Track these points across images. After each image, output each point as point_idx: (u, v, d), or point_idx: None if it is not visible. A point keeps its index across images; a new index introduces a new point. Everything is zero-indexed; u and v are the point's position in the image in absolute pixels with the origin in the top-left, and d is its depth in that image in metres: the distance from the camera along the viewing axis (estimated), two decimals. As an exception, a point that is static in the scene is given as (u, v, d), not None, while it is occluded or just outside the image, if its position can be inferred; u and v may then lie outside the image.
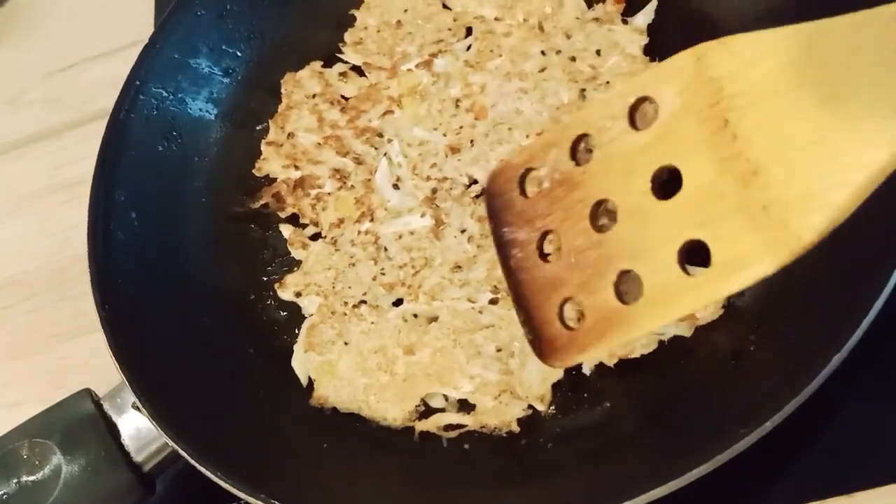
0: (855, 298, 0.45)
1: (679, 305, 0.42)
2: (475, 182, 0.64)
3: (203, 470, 0.52)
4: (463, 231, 0.63)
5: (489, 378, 0.57)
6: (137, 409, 0.55)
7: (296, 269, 0.65)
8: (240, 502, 0.52)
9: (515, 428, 0.55)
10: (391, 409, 0.58)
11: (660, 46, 0.64)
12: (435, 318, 0.60)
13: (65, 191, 0.78)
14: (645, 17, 0.68)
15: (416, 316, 0.60)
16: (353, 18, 0.75)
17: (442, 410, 0.57)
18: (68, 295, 0.72)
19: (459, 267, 0.61)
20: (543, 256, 0.50)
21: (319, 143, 0.70)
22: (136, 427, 0.55)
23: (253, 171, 0.70)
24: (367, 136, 0.69)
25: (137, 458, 0.55)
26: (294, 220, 0.68)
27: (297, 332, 0.63)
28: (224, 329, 0.63)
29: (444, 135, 0.67)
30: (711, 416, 0.47)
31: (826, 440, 0.51)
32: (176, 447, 0.52)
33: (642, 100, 0.44)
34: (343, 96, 0.72)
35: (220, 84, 0.74)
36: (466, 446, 0.56)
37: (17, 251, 0.76)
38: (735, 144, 0.38)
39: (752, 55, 0.38)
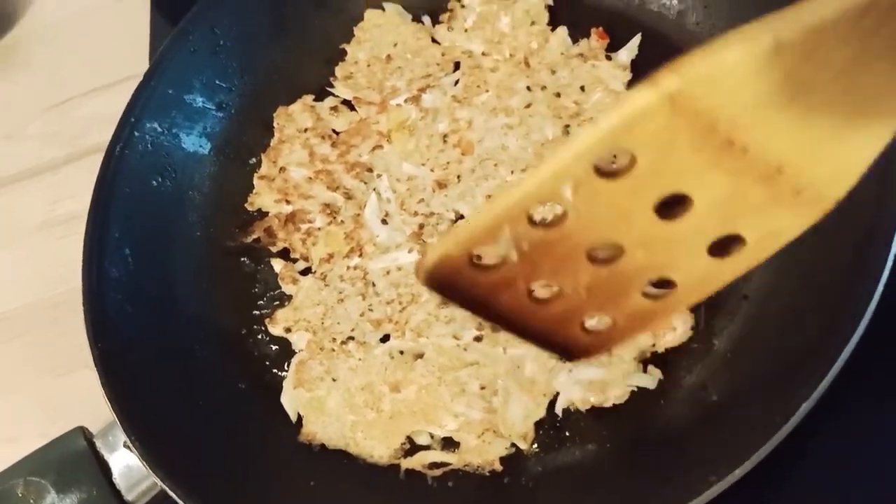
0: (823, 349, 0.46)
1: (715, 284, 0.43)
2: (461, 217, 0.65)
3: (191, 510, 0.53)
4: (449, 267, 0.64)
5: (473, 416, 0.58)
6: (128, 447, 0.56)
7: (286, 303, 0.66)
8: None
9: (498, 466, 0.56)
10: (378, 447, 0.59)
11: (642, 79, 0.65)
12: (421, 355, 0.61)
13: (61, 226, 0.80)
14: (628, 52, 0.69)
15: (402, 353, 0.61)
16: (344, 52, 0.77)
17: (427, 448, 0.58)
18: (64, 329, 0.74)
19: (445, 303, 0.62)
20: (539, 302, 0.44)
21: (311, 178, 0.71)
22: (127, 465, 0.57)
23: (245, 205, 0.72)
24: (357, 171, 0.70)
25: (128, 496, 0.56)
26: (285, 254, 0.69)
27: (287, 365, 0.64)
28: (216, 363, 0.64)
29: (432, 170, 0.68)
30: (684, 463, 0.48)
31: (799, 480, 0.51)
32: (163, 485, 0.54)
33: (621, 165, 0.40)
34: (334, 130, 0.73)
35: (214, 118, 0.75)
36: (451, 484, 0.57)
37: (14, 286, 0.78)
38: (747, 156, 0.39)
39: (734, 83, 0.37)
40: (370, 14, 0.77)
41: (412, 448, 0.58)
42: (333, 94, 0.75)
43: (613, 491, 0.51)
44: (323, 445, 0.60)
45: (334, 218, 0.69)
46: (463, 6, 0.75)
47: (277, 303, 0.67)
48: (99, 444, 0.58)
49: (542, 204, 0.41)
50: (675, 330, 0.57)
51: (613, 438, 0.55)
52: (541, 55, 0.71)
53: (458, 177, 0.67)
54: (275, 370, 0.64)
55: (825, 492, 0.51)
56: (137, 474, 0.56)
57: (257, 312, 0.67)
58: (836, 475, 0.51)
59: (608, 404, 0.56)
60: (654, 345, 0.57)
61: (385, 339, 0.62)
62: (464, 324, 0.61)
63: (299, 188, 0.71)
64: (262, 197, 0.72)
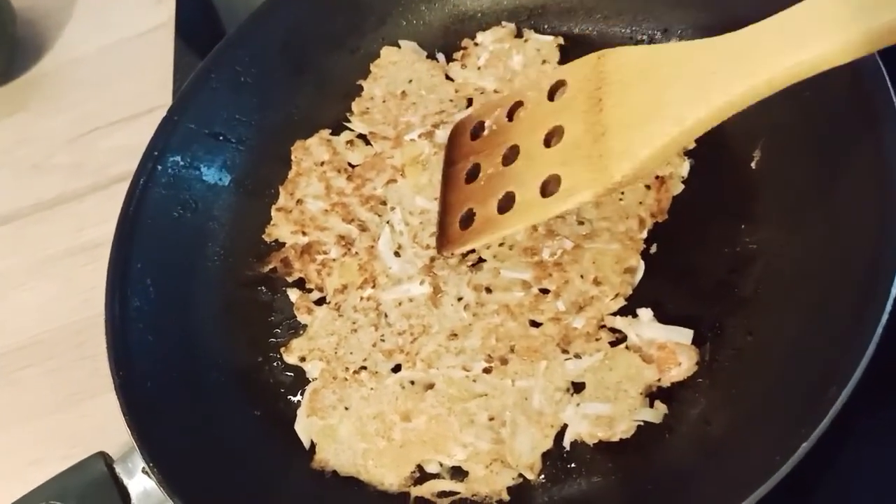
0: (823, 389, 0.47)
1: (532, 218, 0.60)
2: (472, 251, 0.67)
3: (206, 535, 0.54)
4: (459, 299, 0.65)
5: (481, 447, 0.59)
6: (147, 473, 0.58)
7: (301, 332, 0.68)
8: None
9: (506, 496, 0.57)
10: (388, 475, 0.60)
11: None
12: (431, 386, 0.62)
13: (85, 253, 0.82)
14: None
15: (413, 383, 0.63)
16: (361, 88, 0.79)
17: (436, 476, 0.60)
18: (87, 355, 0.76)
19: (455, 335, 0.64)
20: (468, 179, 0.65)
21: (327, 210, 0.73)
22: (145, 490, 0.58)
23: (263, 236, 0.74)
24: (372, 204, 0.72)
25: (146, 521, 0.58)
26: (301, 284, 0.71)
27: (301, 393, 0.66)
28: (232, 391, 0.66)
29: (444, 204, 0.70)
30: (685, 499, 0.49)
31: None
32: (181, 512, 0.55)
33: (561, 82, 0.62)
34: (350, 164, 0.76)
35: (234, 152, 0.77)
36: (458, 513, 0.58)
37: (40, 312, 0.80)
38: (600, 115, 0.56)
39: (624, 62, 0.57)
40: (386, 51, 0.79)
41: (422, 476, 0.60)
42: (349, 129, 0.77)
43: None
44: (335, 472, 0.61)
45: (349, 249, 0.71)
46: (476, 44, 0.78)
47: (293, 332, 0.69)
48: (118, 469, 0.59)
49: (522, 101, 0.65)
50: (681, 365, 0.58)
51: (619, 471, 0.56)
52: (551, 93, 0.73)
53: (470, 211, 0.69)
54: (290, 397, 0.66)
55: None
56: (155, 499, 0.58)
57: (273, 341, 0.69)
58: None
59: (615, 438, 0.57)
60: (659, 379, 0.58)
61: (396, 369, 0.64)
62: (473, 356, 0.62)
63: (315, 220, 0.73)
64: (280, 228, 0.74)
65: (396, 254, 0.69)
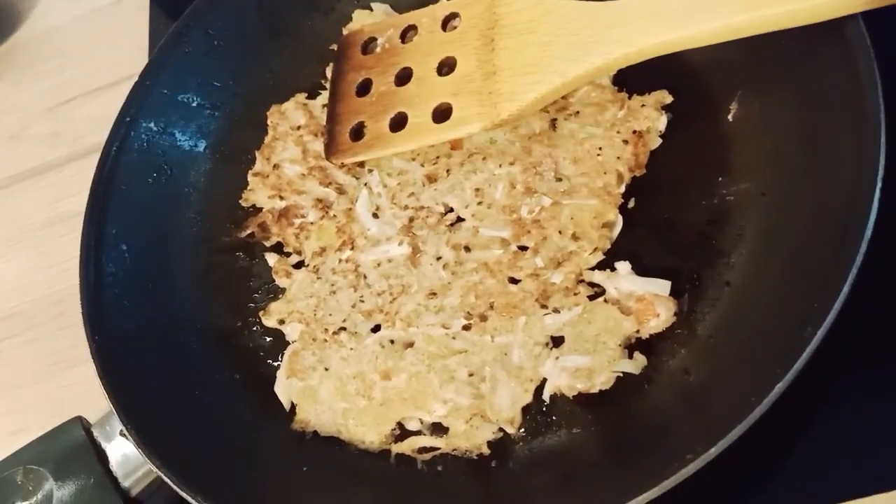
0: (798, 333, 0.47)
1: (422, 140, 0.67)
2: (451, 210, 0.67)
3: (185, 495, 0.54)
4: (438, 258, 0.65)
5: (461, 402, 0.59)
6: (124, 436, 0.57)
7: (280, 296, 0.68)
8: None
9: (486, 450, 0.57)
10: (369, 433, 0.60)
11: (627, 76, 0.66)
12: (411, 344, 0.62)
13: (63, 224, 0.81)
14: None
15: (392, 342, 0.63)
16: (335, 51, 0.78)
17: (417, 433, 0.60)
18: (67, 325, 0.75)
19: (434, 294, 0.63)
20: (358, 93, 0.70)
21: (304, 174, 0.73)
22: (123, 453, 0.58)
23: (240, 201, 0.73)
24: (349, 167, 0.72)
25: (125, 483, 0.58)
26: (279, 248, 0.70)
27: (280, 356, 0.65)
28: (211, 356, 0.66)
29: (422, 164, 0.69)
30: (665, 444, 0.49)
31: (782, 461, 0.52)
32: (159, 473, 0.55)
33: (453, 14, 0.68)
34: (327, 127, 0.75)
35: (209, 118, 0.77)
36: (440, 468, 0.58)
37: (19, 284, 0.80)
38: (492, 54, 0.64)
39: (517, 9, 0.64)
40: (359, 14, 0.78)
41: (402, 434, 0.60)
42: (325, 92, 0.76)
43: (598, 473, 0.52)
44: (315, 433, 0.61)
45: (326, 212, 0.70)
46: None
47: (272, 296, 0.68)
48: (96, 433, 0.59)
49: (416, 26, 0.70)
50: (659, 316, 0.58)
51: (599, 423, 0.56)
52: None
53: (448, 171, 0.68)
54: (269, 361, 0.66)
55: (802, 477, 0.52)
56: (134, 462, 0.58)
57: (252, 305, 0.69)
58: (814, 461, 0.52)
59: (594, 390, 0.57)
60: (638, 331, 0.58)
61: (376, 329, 0.64)
62: (452, 313, 0.62)
63: (293, 184, 0.72)
64: (256, 193, 0.73)
65: (375, 215, 0.69)
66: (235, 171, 0.74)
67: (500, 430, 0.58)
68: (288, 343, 0.66)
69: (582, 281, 0.61)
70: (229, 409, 0.62)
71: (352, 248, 0.68)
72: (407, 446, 0.59)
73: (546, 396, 0.58)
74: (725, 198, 0.60)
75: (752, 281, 0.56)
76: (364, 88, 0.70)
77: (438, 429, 0.59)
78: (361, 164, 0.72)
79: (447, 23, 0.69)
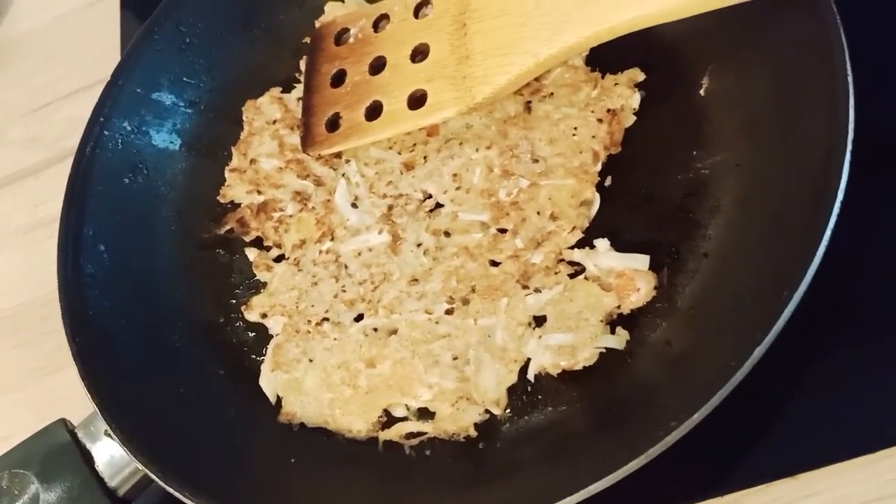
0: (774, 299, 0.47)
1: (399, 127, 0.67)
2: (429, 197, 0.67)
3: (173, 491, 0.54)
4: (419, 245, 0.65)
5: (446, 386, 0.59)
6: (109, 435, 0.57)
7: (262, 290, 0.67)
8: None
9: (473, 432, 0.57)
10: (355, 422, 0.60)
11: (599, 56, 0.66)
12: (394, 331, 0.62)
13: (44, 228, 0.81)
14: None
15: (376, 330, 0.63)
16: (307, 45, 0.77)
17: (404, 419, 0.60)
18: (51, 329, 0.74)
19: (416, 280, 0.63)
20: (333, 84, 0.71)
21: (281, 168, 0.72)
22: (109, 454, 0.58)
23: (218, 197, 0.73)
24: (326, 158, 0.72)
25: (112, 483, 0.57)
26: (259, 243, 0.70)
27: (265, 351, 0.65)
28: (194, 352, 0.66)
29: (399, 153, 0.69)
30: (649, 415, 0.49)
31: (765, 428, 0.53)
32: (146, 471, 0.55)
33: (425, 2, 0.69)
34: (302, 120, 0.74)
35: (184, 115, 0.76)
36: (428, 452, 0.58)
37: (2, 288, 0.79)
38: (464, 39, 0.64)
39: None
40: (330, 6, 0.78)
41: (389, 420, 0.60)
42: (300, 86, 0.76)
43: (585, 444, 0.53)
44: (302, 424, 0.61)
45: (305, 205, 0.70)
46: None
47: (253, 291, 0.68)
48: (81, 434, 0.59)
49: (388, 14, 0.71)
50: (639, 290, 0.58)
51: (584, 398, 0.56)
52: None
53: (425, 157, 0.68)
54: (253, 356, 0.65)
55: (788, 441, 0.52)
56: (120, 461, 0.58)
57: (234, 301, 0.68)
58: (799, 425, 0.53)
59: (578, 367, 0.57)
60: (619, 306, 0.58)
61: (359, 318, 0.63)
62: (435, 298, 0.62)
63: (270, 178, 0.72)
64: (234, 189, 0.73)
65: (353, 205, 0.69)
66: (212, 168, 0.74)
67: (487, 411, 0.57)
68: (271, 337, 0.65)
69: (562, 260, 0.61)
70: (215, 405, 0.62)
71: (332, 239, 0.67)
72: (394, 433, 0.59)
73: (531, 376, 0.58)
74: (701, 171, 0.60)
75: (730, 251, 0.56)
76: (338, 79, 0.70)
77: (425, 414, 0.59)
78: (338, 155, 0.71)
79: (419, 10, 0.69)
